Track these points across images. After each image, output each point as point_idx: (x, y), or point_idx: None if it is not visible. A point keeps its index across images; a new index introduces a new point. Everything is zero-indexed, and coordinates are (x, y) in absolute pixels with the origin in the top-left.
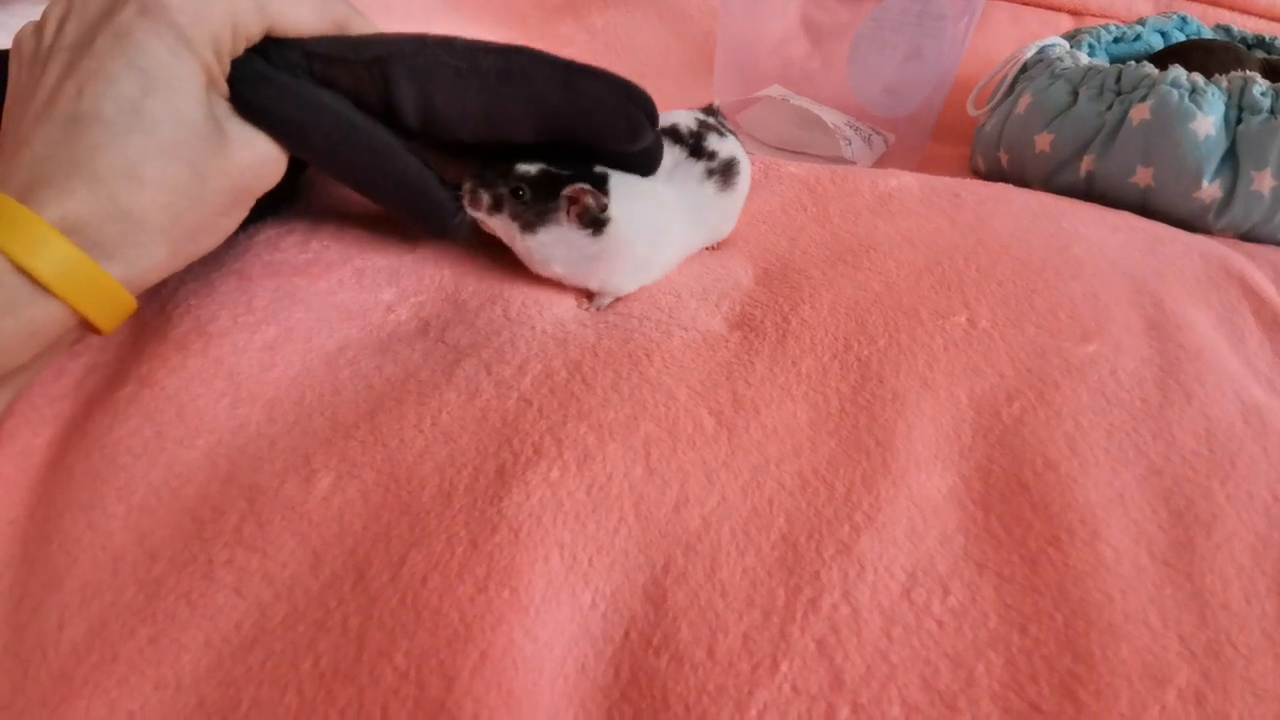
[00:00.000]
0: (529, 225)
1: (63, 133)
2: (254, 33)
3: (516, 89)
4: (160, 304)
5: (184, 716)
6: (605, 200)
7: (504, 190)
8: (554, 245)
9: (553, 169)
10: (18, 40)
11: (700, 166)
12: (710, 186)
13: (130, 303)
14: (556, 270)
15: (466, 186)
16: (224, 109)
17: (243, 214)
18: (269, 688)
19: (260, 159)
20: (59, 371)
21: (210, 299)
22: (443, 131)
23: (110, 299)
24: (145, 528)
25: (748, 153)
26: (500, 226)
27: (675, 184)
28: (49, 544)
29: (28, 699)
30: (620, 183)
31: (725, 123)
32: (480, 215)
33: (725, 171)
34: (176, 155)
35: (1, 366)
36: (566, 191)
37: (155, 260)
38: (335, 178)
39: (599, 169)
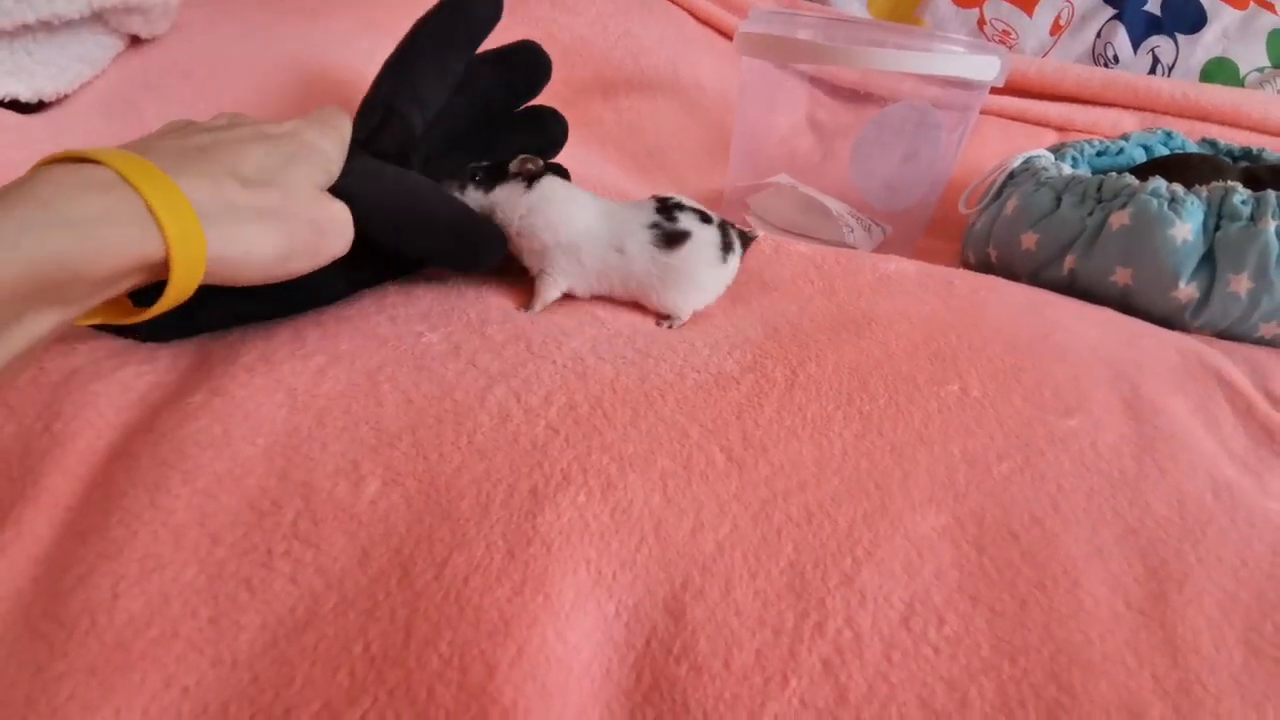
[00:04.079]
0: (488, 189)
1: (203, 152)
2: None
3: (457, 54)
4: (229, 345)
5: (239, 691)
6: (540, 163)
7: (467, 179)
8: (500, 196)
9: (501, 161)
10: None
11: (651, 213)
12: (645, 234)
13: (200, 266)
14: (500, 217)
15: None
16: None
17: (310, 265)
18: (322, 667)
19: (338, 211)
20: (125, 387)
21: (271, 340)
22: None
23: (193, 249)
24: (208, 510)
25: (737, 244)
26: (472, 199)
27: (611, 206)
28: (107, 518)
29: (71, 663)
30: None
31: (729, 223)
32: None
33: (668, 236)
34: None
35: (83, 271)
36: (513, 166)
37: (245, 241)
38: (393, 231)
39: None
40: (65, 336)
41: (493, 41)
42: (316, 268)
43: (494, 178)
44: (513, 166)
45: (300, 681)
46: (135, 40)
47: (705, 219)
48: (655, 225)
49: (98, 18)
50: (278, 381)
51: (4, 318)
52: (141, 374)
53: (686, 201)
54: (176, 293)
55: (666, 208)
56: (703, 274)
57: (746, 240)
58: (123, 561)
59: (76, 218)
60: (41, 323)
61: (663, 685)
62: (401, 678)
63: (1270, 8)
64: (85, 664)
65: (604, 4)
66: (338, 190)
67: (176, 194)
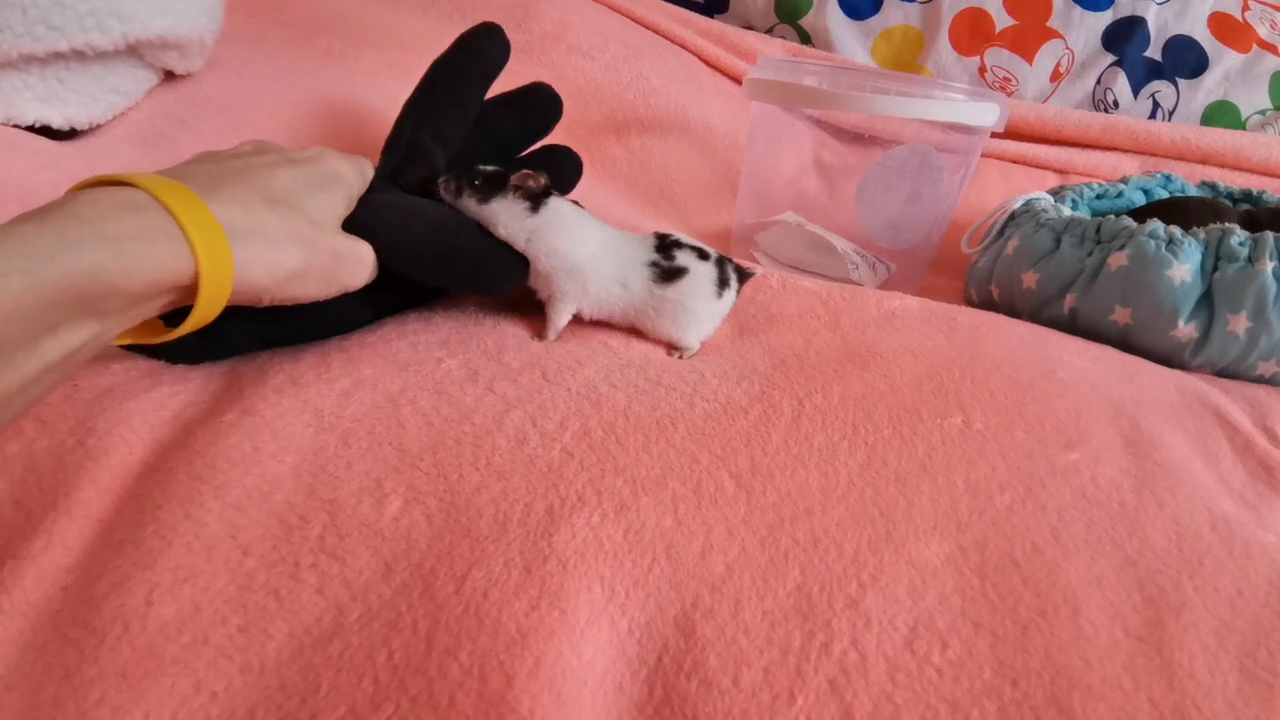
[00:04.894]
0: (484, 199)
1: (234, 176)
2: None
3: (472, 92)
4: (259, 367)
5: (266, 696)
6: (544, 180)
7: (464, 181)
8: (500, 213)
9: (504, 170)
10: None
11: (651, 250)
12: (646, 271)
13: (228, 284)
14: (503, 233)
15: (442, 182)
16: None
17: (322, 291)
18: (347, 674)
19: (360, 248)
20: (158, 405)
21: (299, 364)
22: (462, 151)
23: (222, 268)
24: (239, 523)
25: (733, 279)
26: (467, 206)
27: (615, 238)
28: (142, 529)
29: (101, 668)
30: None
31: (726, 259)
32: (449, 199)
33: (667, 271)
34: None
35: (118, 285)
36: (514, 179)
37: (269, 260)
38: (417, 264)
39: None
40: (99, 356)
41: (514, 83)
42: (327, 296)
43: (492, 188)
44: (514, 179)
45: (326, 688)
46: (169, 75)
47: (702, 255)
48: (654, 264)
49: (132, 51)
50: (305, 403)
51: (39, 327)
52: (175, 393)
53: (684, 239)
54: (205, 309)
55: (665, 245)
56: (697, 307)
57: (744, 275)
58: (157, 571)
59: (113, 235)
60: (75, 335)
61: (674, 700)
62: (423, 686)
63: (1273, 50)
64: (116, 668)
65: (617, 49)
66: (363, 224)
67: (207, 215)
